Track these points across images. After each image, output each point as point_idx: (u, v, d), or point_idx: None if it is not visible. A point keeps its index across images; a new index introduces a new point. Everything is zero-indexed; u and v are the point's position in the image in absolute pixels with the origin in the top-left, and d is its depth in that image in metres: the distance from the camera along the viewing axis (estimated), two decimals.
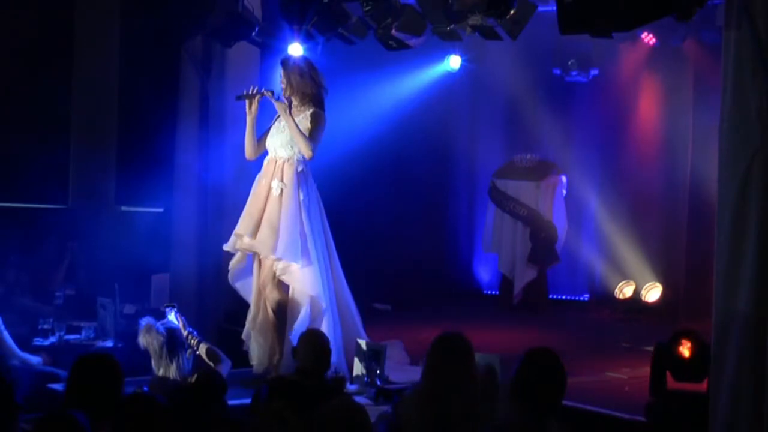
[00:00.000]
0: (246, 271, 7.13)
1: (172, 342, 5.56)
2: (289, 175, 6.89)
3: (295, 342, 5.87)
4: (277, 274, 6.87)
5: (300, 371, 5.17)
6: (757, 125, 4.80)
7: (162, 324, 5.68)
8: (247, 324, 7.04)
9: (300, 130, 6.83)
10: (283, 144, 6.94)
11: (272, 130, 7.05)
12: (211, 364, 5.85)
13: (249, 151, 7.08)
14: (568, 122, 11.18)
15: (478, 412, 4.32)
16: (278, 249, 6.75)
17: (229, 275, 7.20)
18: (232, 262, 7.15)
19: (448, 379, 4.30)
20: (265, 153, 7.10)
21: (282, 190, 6.86)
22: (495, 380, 5.23)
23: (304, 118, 6.92)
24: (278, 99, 6.95)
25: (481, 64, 11.10)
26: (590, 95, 11.02)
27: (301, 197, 6.88)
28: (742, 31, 4.84)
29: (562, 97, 11.09)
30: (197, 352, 5.89)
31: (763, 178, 4.80)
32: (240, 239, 6.93)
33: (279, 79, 7.08)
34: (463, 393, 4.36)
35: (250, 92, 6.99)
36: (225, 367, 5.84)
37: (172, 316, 5.98)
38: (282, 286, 6.92)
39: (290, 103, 7.01)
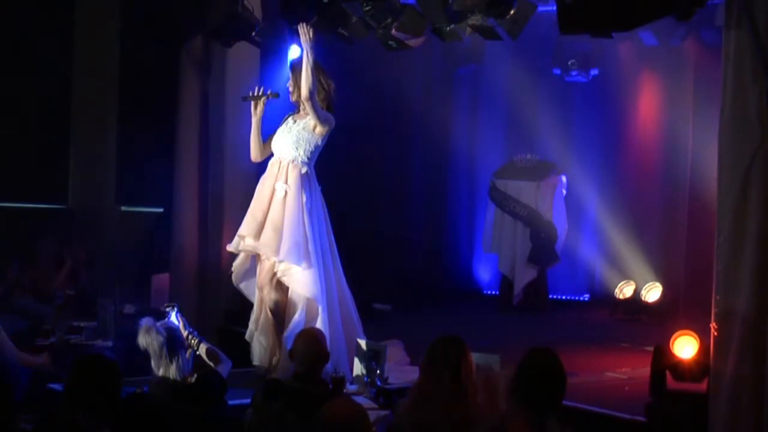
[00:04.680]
0: (250, 272, 7.12)
1: (172, 342, 5.54)
2: (293, 177, 6.88)
3: (289, 343, 5.86)
4: (278, 275, 6.87)
5: (297, 374, 5.16)
6: (757, 125, 4.80)
7: (161, 324, 5.67)
8: (250, 325, 7.04)
9: (310, 74, 6.74)
10: (289, 145, 6.92)
11: (278, 131, 7.04)
12: (212, 364, 5.84)
13: (254, 152, 7.06)
14: (568, 122, 11.19)
15: (477, 413, 4.32)
16: (281, 251, 6.75)
17: (233, 276, 7.20)
18: (236, 264, 7.15)
19: (444, 383, 4.30)
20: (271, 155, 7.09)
21: (286, 192, 6.85)
22: (495, 381, 5.23)
23: (311, 119, 6.90)
24: (294, 105, 6.99)
25: (481, 64, 11.10)
26: (590, 95, 11.03)
27: (304, 200, 6.86)
28: (742, 31, 4.84)
29: (562, 97, 11.10)
30: (197, 353, 5.89)
31: (763, 178, 4.80)
32: (243, 240, 6.93)
33: (287, 81, 7.07)
34: (461, 395, 4.36)
35: (255, 93, 6.98)
36: (225, 368, 5.83)
37: (172, 317, 5.98)
38: (280, 287, 6.91)
39: (298, 106, 7.01)
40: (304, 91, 6.74)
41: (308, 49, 6.77)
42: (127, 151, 9.60)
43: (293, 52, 7.73)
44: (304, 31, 6.80)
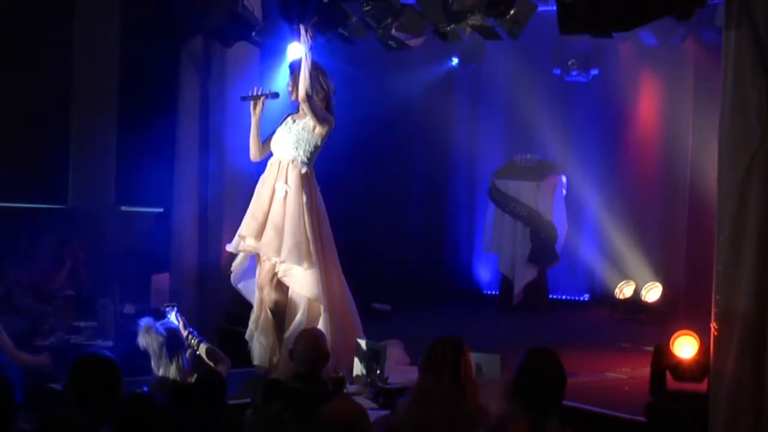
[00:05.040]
0: (248, 272, 7.13)
1: (172, 342, 5.56)
2: (293, 177, 6.89)
3: (290, 343, 5.86)
4: (279, 275, 6.88)
5: (298, 375, 5.16)
6: (757, 125, 4.80)
7: (161, 324, 5.67)
8: (250, 324, 7.04)
9: (308, 75, 6.75)
10: (288, 145, 6.93)
11: (278, 131, 7.04)
12: (211, 364, 5.84)
13: (254, 152, 7.07)
14: (568, 122, 11.19)
15: (477, 413, 4.32)
16: (283, 252, 6.75)
17: (232, 276, 7.20)
18: (235, 264, 7.15)
19: (443, 383, 4.30)
20: (270, 155, 7.09)
21: (286, 192, 6.86)
22: (495, 380, 5.23)
23: (311, 119, 6.90)
24: (294, 105, 7.00)
25: (481, 64, 11.10)
26: (590, 95, 11.04)
27: (304, 199, 6.87)
28: (742, 31, 4.84)
29: (562, 97, 11.10)
30: (197, 352, 5.89)
31: (763, 178, 4.80)
32: (243, 241, 6.93)
33: (287, 81, 7.07)
34: (461, 395, 4.36)
35: (255, 93, 7.00)
36: (225, 368, 5.84)
37: (172, 316, 5.99)
38: (280, 288, 6.92)
39: (297, 105, 7.01)
40: (302, 92, 6.76)
41: (307, 51, 6.79)
42: (127, 151, 9.58)
43: (293, 51, 7.73)
44: (304, 33, 6.81)
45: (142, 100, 9.57)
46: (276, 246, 6.77)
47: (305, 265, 6.77)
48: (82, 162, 9.90)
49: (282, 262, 6.80)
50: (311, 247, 6.82)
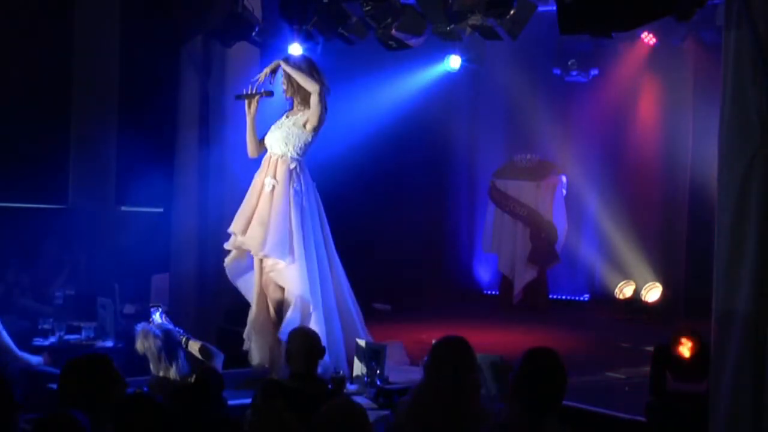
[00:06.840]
0: (245, 269, 7.13)
1: (169, 343, 5.56)
2: (281, 172, 6.91)
3: (284, 340, 5.85)
4: (266, 270, 6.88)
5: (294, 374, 5.17)
6: (757, 125, 4.79)
7: (157, 326, 5.67)
8: (248, 325, 7.04)
9: (305, 77, 6.85)
10: (279, 141, 6.96)
11: (272, 127, 7.07)
12: (205, 360, 5.84)
13: (251, 149, 7.12)
14: (568, 122, 11.19)
15: (479, 413, 4.32)
16: (266, 246, 6.75)
17: (228, 273, 7.19)
18: (227, 260, 7.13)
19: (448, 383, 4.30)
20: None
21: (273, 186, 6.88)
22: (497, 380, 5.23)
23: (302, 116, 6.93)
24: (289, 102, 7.03)
25: (481, 64, 11.10)
26: (590, 95, 11.03)
27: (292, 194, 6.88)
28: (742, 31, 4.83)
29: (562, 97, 11.10)
30: (187, 350, 5.89)
31: (763, 178, 4.79)
32: (236, 237, 6.95)
33: (280, 78, 7.08)
34: (463, 396, 4.36)
35: (249, 92, 7.01)
36: (218, 361, 5.85)
37: (157, 317, 5.99)
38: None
39: (292, 102, 7.03)
40: (313, 87, 6.81)
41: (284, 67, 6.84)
42: (127, 151, 9.59)
43: (293, 50, 7.74)
44: (266, 71, 6.90)
45: (142, 100, 9.58)
46: (260, 240, 6.77)
47: (288, 259, 6.76)
48: (82, 162, 9.91)
49: (266, 257, 6.80)
50: (296, 242, 6.80)
